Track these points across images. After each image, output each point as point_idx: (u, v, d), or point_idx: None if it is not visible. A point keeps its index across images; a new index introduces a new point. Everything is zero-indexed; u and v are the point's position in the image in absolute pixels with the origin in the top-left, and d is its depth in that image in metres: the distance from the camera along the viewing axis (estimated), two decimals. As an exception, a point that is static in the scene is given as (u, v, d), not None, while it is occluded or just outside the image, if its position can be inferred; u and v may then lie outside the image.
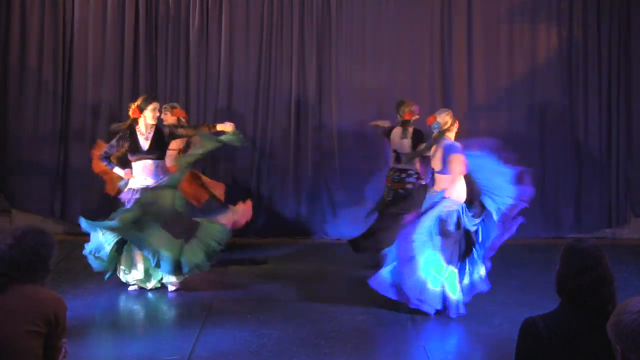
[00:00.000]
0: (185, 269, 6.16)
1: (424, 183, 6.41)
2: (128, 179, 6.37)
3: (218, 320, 5.59)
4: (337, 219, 8.65)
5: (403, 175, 7.18)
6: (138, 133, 6.29)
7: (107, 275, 6.26)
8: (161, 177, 6.30)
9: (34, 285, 3.09)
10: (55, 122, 8.57)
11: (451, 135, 5.97)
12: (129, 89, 8.54)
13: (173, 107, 7.45)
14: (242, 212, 6.83)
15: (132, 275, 6.32)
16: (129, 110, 6.36)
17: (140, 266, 6.27)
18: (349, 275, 6.99)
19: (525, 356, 2.75)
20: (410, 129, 7.21)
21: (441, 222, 5.71)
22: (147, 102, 6.30)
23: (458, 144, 5.88)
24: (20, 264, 3.05)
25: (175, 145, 6.97)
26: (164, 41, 8.64)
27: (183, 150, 7.17)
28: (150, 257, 6.04)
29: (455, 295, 5.66)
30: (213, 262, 6.43)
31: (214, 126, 6.57)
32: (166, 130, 6.41)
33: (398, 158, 7.21)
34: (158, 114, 6.43)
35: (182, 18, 8.64)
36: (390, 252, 5.88)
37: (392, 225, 6.11)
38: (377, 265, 6.12)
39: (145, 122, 6.28)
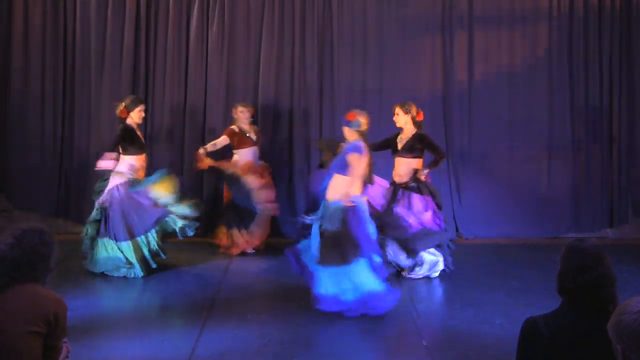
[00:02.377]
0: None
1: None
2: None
3: (218, 320, 5.59)
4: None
5: None
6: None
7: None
8: None
9: (35, 285, 3.09)
10: (55, 122, 8.59)
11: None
12: (129, 89, 8.54)
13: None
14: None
15: None
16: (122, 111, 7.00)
17: None
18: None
19: (526, 356, 2.75)
20: None
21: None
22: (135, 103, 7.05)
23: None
24: (20, 263, 3.05)
25: None
26: (164, 41, 8.63)
27: None
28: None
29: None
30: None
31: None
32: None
33: None
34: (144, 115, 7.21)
35: (182, 18, 8.64)
36: None
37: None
38: None
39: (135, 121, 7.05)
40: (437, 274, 6.86)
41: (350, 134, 5.85)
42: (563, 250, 2.85)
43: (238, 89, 8.70)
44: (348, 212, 5.64)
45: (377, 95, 8.66)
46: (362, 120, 5.85)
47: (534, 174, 8.82)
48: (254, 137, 7.84)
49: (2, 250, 3.07)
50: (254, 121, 8.06)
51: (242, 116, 7.79)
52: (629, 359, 2.23)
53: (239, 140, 7.76)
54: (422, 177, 6.81)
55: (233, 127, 7.80)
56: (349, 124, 5.85)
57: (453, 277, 6.90)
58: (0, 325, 2.96)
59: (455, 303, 6.15)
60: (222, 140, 7.74)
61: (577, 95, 8.79)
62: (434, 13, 8.77)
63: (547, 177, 8.78)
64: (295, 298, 6.25)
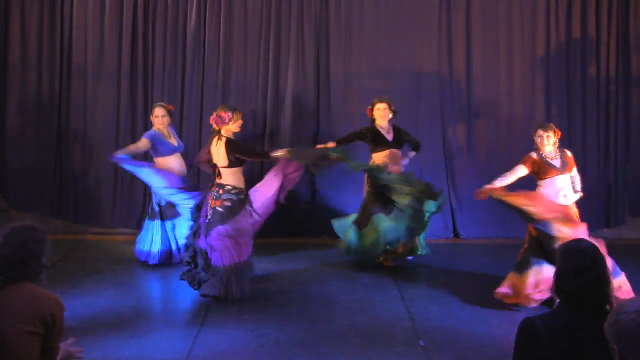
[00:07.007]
0: None
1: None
2: None
3: (217, 320, 5.60)
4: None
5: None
6: None
7: None
8: None
9: (31, 284, 3.07)
10: (53, 123, 8.57)
11: None
12: (127, 90, 8.54)
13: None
14: None
15: None
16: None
17: None
18: (347, 275, 6.99)
19: (523, 356, 2.75)
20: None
21: None
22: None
23: None
24: (11, 261, 3.02)
25: None
26: (162, 41, 8.61)
27: None
28: None
29: None
30: None
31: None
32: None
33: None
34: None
35: (179, 19, 8.63)
36: None
37: None
38: None
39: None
40: None
41: None
42: (560, 251, 2.86)
43: (236, 90, 8.69)
44: None
45: (375, 95, 8.65)
46: None
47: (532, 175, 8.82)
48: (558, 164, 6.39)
49: (-6, 249, 3.05)
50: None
51: (547, 141, 6.34)
52: (626, 358, 2.24)
53: (540, 169, 6.36)
54: None
55: (533, 153, 6.38)
56: None
57: (451, 276, 6.90)
58: (-1, 325, 2.95)
59: (453, 303, 6.15)
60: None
61: (574, 96, 8.79)
62: (432, 12, 8.74)
63: (545, 177, 8.78)
64: (293, 298, 6.26)
